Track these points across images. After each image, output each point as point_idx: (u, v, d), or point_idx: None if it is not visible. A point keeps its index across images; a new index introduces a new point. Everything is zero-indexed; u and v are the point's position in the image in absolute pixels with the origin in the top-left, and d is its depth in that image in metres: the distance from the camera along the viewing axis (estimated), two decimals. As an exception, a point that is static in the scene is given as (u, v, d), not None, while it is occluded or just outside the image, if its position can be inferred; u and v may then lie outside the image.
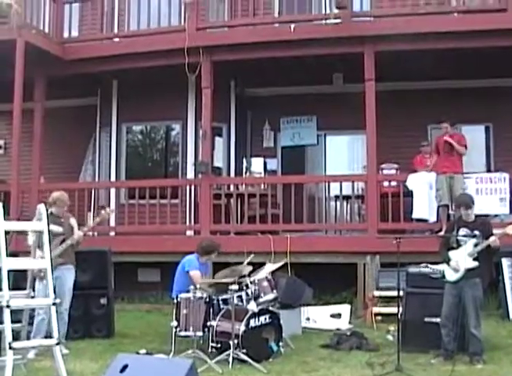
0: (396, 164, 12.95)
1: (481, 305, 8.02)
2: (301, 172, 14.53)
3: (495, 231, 8.07)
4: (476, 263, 7.88)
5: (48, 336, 6.41)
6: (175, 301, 8.42)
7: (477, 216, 8.22)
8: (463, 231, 8.05)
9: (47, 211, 8.29)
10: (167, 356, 7.91)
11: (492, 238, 7.83)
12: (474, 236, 7.94)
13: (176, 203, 13.09)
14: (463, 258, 7.90)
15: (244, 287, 8.71)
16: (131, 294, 12.79)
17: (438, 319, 8.18)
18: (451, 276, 8.03)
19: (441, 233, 10.84)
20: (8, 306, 5.83)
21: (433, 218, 11.63)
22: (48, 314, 8.08)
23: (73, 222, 9.09)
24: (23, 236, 8.87)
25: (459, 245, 8.06)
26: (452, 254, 8.05)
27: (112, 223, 13.81)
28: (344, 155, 15.00)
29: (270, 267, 9.29)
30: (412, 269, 9.05)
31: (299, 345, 9.07)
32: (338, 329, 10.09)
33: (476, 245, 7.90)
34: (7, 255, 6.12)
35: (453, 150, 11.38)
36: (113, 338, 9.73)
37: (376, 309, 10.64)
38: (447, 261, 8.06)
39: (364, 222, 12.42)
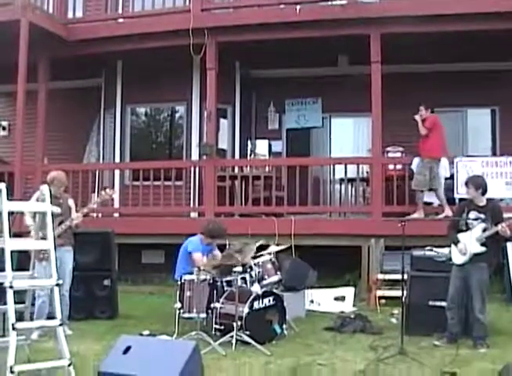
0: (401, 147, 12.90)
1: (486, 289, 8.00)
2: (306, 155, 14.48)
3: (504, 215, 8.04)
4: (483, 248, 7.84)
5: (51, 317, 6.40)
6: (179, 282, 8.42)
7: (488, 200, 8.17)
8: (472, 214, 8.01)
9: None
10: (171, 338, 7.92)
11: (500, 226, 7.76)
12: (484, 220, 7.90)
13: (180, 185, 13.06)
14: (470, 242, 7.87)
15: (248, 269, 8.70)
16: (135, 275, 12.81)
17: (442, 303, 8.18)
18: (458, 258, 8.00)
19: (413, 216, 10.93)
20: (11, 287, 5.81)
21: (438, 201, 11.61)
22: (49, 296, 8.10)
23: (71, 202, 9.03)
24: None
25: (468, 228, 8.02)
26: (460, 236, 8.02)
27: (116, 205, 13.81)
28: (349, 137, 14.94)
29: (274, 249, 9.26)
30: (417, 253, 9.04)
31: (302, 327, 9.07)
32: (342, 312, 10.10)
33: (484, 230, 7.85)
34: (10, 236, 6.10)
35: (427, 133, 11.43)
36: (117, 319, 9.76)
37: (380, 292, 10.63)
38: (455, 242, 8.02)
39: (369, 205, 12.42)
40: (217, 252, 9.39)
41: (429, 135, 11.45)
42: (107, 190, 9.45)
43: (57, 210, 8.65)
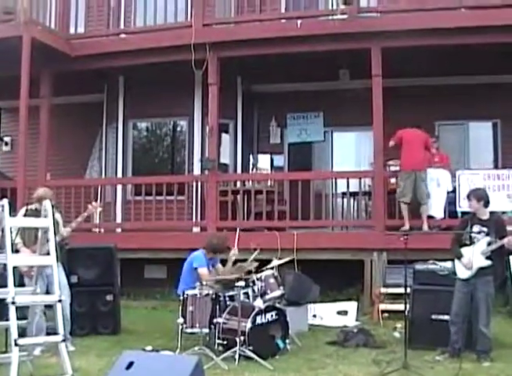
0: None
1: (492, 302, 7.97)
2: (308, 169, 14.49)
3: (508, 228, 8.02)
4: (489, 262, 7.81)
5: (54, 333, 6.39)
6: (182, 297, 8.41)
7: (491, 213, 8.15)
8: (476, 228, 7.98)
9: (35, 209, 8.30)
10: (174, 353, 7.89)
11: (506, 239, 7.74)
12: (488, 234, 7.88)
13: (182, 199, 13.07)
14: (475, 256, 7.84)
15: (251, 284, 8.70)
16: (138, 290, 12.79)
17: (445, 317, 8.15)
18: (462, 273, 7.96)
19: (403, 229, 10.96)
20: (13, 303, 5.82)
21: (440, 215, 11.60)
22: (43, 311, 8.12)
23: (58, 217, 8.88)
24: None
25: (471, 242, 7.99)
26: (464, 250, 7.99)
27: (118, 220, 13.82)
28: (351, 151, 14.94)
29: (276, 263, 9.26)
30: (420, 266, 9.01)
31: (305, 342, 9.05)
32: (345, 326, 10.06)
33: (489, 244, 7.83)
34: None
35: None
36: (119, 334, 9.73)
37: (383, 306, 10.60)
38: (459, 257, 8.00)
39: (371, 219, 12.40)
40: (219, 265, 9.44)
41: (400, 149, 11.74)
42: (93, 203, 9.44)
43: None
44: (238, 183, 13.29)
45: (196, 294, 8.33)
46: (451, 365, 7.54)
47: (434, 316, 8.53)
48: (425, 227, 11.37)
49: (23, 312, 6.65)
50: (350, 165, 14.35)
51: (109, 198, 14.12)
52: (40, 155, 13.46)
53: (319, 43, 11.94)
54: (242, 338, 7.92)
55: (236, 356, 7.82)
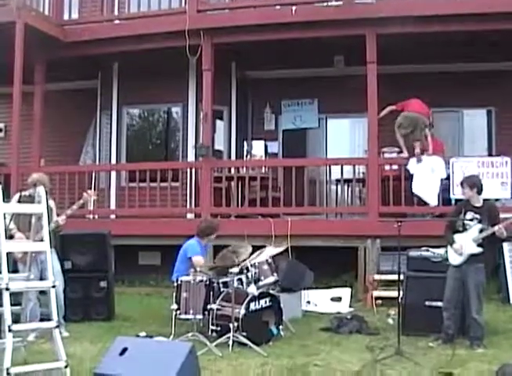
0: (397, 148, 12.89)
1: (483, 290, 8.00)
2: (302, 155, 14.48)
3: (501, 216, 8.04)
4: (480, 249, 7.84)
5: (47, 319, 6.40)
6: (176, 284, 8.42)
7: (485, 201, 8.17)
8: (469, 215, 8.01)
9: (29, 195, 8.28)
10: (167, 339, 7.91)
11: (497, 227, 7.77)
12: (480, 221, 7.90)
13: (177, 186, 13.06)
14: (467, 243, 7.87)
15: (244, 270, 8.69)
16: (132, 277, 12.80)
17: (438, 303, 8.19)
18: (454, 259, 8.01)
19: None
20: (7, 289, 5.81)
21: (434, 202, 11.61)
22: (38, 298, 8.13)
23: (52, 204, 8.85)
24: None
25: (464, 229, 8.02)
26: (457, 237, 8.02)
27: (112, 206, 13.81)
28: (345, 138, 14.96)
29: (271, 250, 9.26)
30: (413, 253, 9.03)
31: (299, 328, 9.07)
32: (338, 312, 10.10)
33: (481, 231, 7.85)
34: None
35: None
36: (113, 321, 9.74)
37: (376, 293, 10.63)
38: (451, 243, 8.03)
39: (365, 206, 12.41)
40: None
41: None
42: (89, 191, 9.43)
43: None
44: (232, 170, 13.27)
45: (190, 281, 8.33)
46: (444, 351, 7.58)
47: (427, 303, 8.57)
48: None
49: (17, 298, 6.64)
50: (344, 152, 14.36)
51: (103, 185, 14.10)
52: (34, 141, 13.45)
53: (314, 29, 11.90)
54: (236, 324, 7.94)
55: (230, 343, 7.83)
